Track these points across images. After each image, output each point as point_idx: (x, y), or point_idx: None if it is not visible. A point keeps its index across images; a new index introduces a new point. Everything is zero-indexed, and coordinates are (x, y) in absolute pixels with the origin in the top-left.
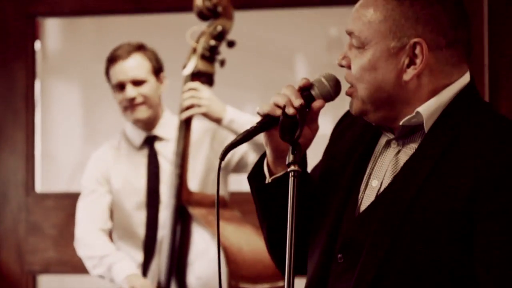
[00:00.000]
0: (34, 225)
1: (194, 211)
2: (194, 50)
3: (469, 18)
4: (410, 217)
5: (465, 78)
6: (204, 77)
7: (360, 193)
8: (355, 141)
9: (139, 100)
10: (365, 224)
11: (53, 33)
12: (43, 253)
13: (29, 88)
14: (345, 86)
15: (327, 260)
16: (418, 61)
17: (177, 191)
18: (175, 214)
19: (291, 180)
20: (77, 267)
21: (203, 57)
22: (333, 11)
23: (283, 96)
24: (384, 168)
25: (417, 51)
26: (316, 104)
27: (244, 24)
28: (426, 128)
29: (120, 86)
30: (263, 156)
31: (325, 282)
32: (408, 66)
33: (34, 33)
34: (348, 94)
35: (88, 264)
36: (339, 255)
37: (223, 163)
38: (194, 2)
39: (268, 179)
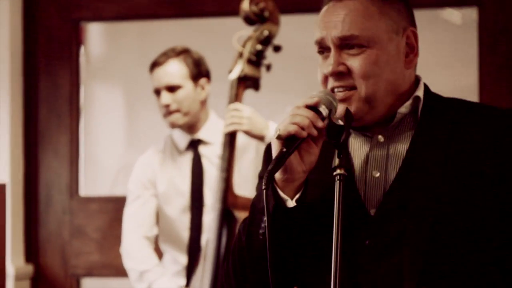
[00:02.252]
0: (78, 229)
1: (240, 214)
2: (241, 55)
3: None
4: (443, 192)
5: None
6: (251, 81)
7: (360, 189)
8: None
9: (173, 107)
10: (392, 209)
11: (97, 38)
12: (87, 257)
13: (73, 93)
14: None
15: (352, 251)
16: (414, 48)
17: (223, 195)
18: (221, 217)
19: (337, 184)
20: (120, 270)
21: (249, 61)
22: None
23: (302, 117)
24: (381, 161)
25: (411, 40)
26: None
27: (289, 28)
28: (419, 113)
29: (157, 92)
30: (270, 184)
31: (355, 270)
32: (407, 55)
33: (78, 38)
34: (346, 98)
35: (130, 276)
36: (367, 242)
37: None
38: (240, 6)
39: (291, 202)
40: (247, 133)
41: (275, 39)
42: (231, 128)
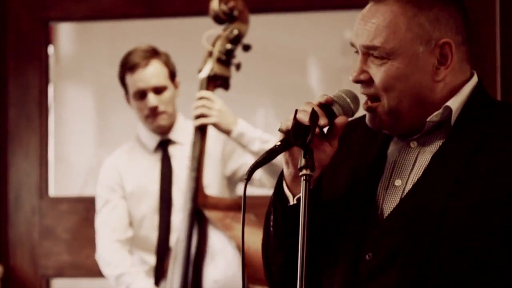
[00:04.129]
0: (47, 229)
1: (210, 214)
2: (210, 54)
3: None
4: (451, 206)
5: (475, 75)
6: (220, 81)
7: (380, 194)
8: (362, 146)
9: (161, 108)
10: (398, 221)
11: (66, 38)
12: (56, 257)
13: (42, 93)
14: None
15: (355, 262)
16: (448, 60)
17: (193, 194)
18: (191, 217)
19: (303, 184)
20: (91, 271)
21: (219, 60)
22: (348, 14)
23: (305, 113)
24: (406, 168)
25: (446, 51)
26: (340, 120)
27: (258, 27)
28: (453, 122)
29: (141, 94)
30: (280, 179)
31: (354, 283)
32: (438, 67)
33: (47, 38)
34: (370, 108)
35: (109, 282)
36: (368, 255)
37: (230, 172)
38: (210, 5)
39: (292, 201)
40: (215, 125)
41: (244, 38)
42: (199, 122)
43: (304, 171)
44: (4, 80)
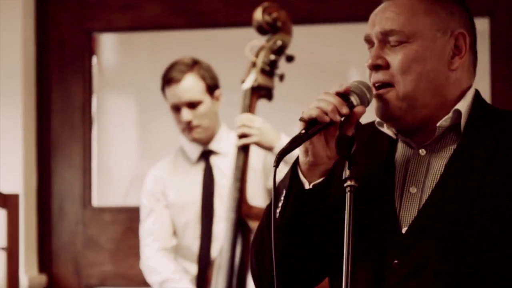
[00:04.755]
0: (90, 239)
1: (254, 224)
2: (254, 65)
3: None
4: (477, 211)
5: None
6: (264, 91)
7: (396, 203)
8: (367, 155)
9: (195, 123)
10: (425, 228)
11: (109, 49)
12: (99, 267)
13: (85, 103)
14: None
15: (380, 269)
16: (462, 51)
17: (237, 205)
18: (235, 227)
19: (348, 195)
20: (133, 280)
21: (262, 71)
22: None
23: (327, 102)
24: (420, 175)
25: (460, 42)
26: (359, 109)
27: (301, 39)
28: (462, 126)
29: (176, 108)
30: (295, 165)
31: None
32: (453, 57)
33: (90, 49)
34: (381, 95)
35: None
36: (395, 262)
37: (271, 185)
38: (253, 16)
39: (307, 185)
40: (257, 144)
41: (287, 49)
42: (241, 142)
43: (348, 182)
44: (48, 90)
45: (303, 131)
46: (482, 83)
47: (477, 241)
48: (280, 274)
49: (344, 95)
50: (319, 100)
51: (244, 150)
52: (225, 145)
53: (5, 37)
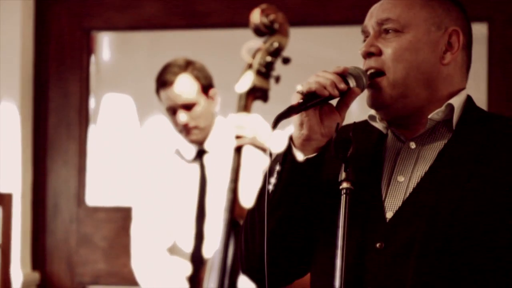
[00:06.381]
0: (84, 237)
1: None
2: (250, 66)
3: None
4: (466, 199)
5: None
6: (260, 93)
7: (382, 190)
8: (359, 147)
9: (192, 124)
10: (411, 213)
11: (107, 48)
12: (93, 265)
13: (83, 102)
14: None
15: (362, 250)
16: (454, 48)
17: (231, 205)
18: (228, 227)
19: (343, 197)
20: (127, 279)
21: (259, 73)
22: None
23: (325, 78)
24: (408, 166)
25: (453, 39)
26: (356, 90)
27: (298, 41)
28: (455, 121)
29: (172, 110)
30: (289, 141)
31: (362, 271)
32: (445, 52)
33: (88, 47)
34: (374, 83)
35: None
36: (379, 244)
37: None
38: (250, 18)
39: (302, 157)
40: (251, 145)
41: (284, 51)
42: (236, 144)
43: (344, 184)
44: (45, 88)
45: (301, 101)
46: (480, 88)
47: (462, 226)
48: (269, 256)
49: (341, 76)
50: (318, 75)
51: (237, 151)
52: (219, 144)
53: (4, 35)
